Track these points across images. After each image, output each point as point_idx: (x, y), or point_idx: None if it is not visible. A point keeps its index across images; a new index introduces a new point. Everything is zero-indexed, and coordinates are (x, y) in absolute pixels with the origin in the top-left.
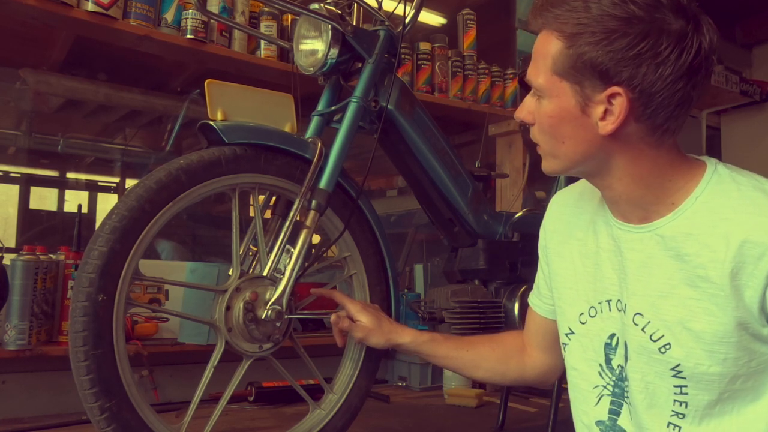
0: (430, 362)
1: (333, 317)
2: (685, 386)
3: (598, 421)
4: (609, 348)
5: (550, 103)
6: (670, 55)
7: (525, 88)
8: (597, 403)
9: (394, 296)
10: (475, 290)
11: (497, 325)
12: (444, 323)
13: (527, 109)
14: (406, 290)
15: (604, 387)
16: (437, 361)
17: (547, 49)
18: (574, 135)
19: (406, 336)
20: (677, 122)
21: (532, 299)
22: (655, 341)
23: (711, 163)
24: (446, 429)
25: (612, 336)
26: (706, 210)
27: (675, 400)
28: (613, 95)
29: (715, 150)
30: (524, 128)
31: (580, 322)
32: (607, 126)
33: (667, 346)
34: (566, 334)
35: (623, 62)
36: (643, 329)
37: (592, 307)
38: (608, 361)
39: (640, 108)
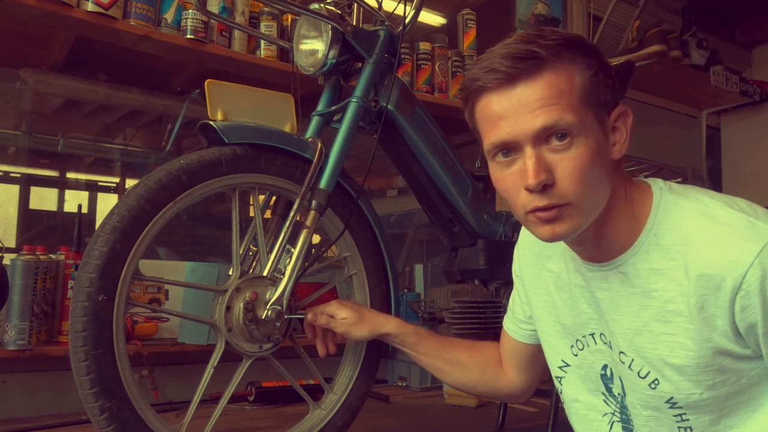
0: (410, 357)
1: (309, 315)
2: (684, 414)
3: None
4: (605, 378)
5: (586, 140)
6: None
7: None
8: (610, 430)
9: (394, 296)
10: (475, 290)
11: (497, 325)
12: (444, 323)
13: (546, 166)
14: (406, 290)
15: (613, 414)
16: (418, 357)
17: (565, 84)
18: (603, 172)
19: (390, 325)
20: None
21: (508, 324)
22: (643, 378)
23: (656, 189)
24: (446, 429)
25: (605, 367)
26: (660, 244)
27: (679, 427)
28: (622, 114)
29: (715, 150)
30: None
31: (573, 354)
32: (623, 147)
33: (656, 382)
34: (560, 367)
35: (614, 82)
36: (629, 367)
37: (577, 340)
38: (608, 389)
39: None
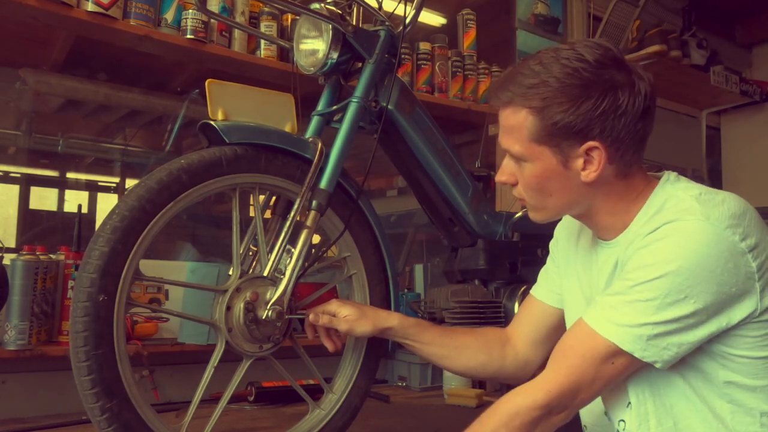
0: (414, 350)
1: (311, 316)
2: None
3: None
4: None
5: (533, 165)
6: (627, 105)
7: None
8: None
9: (394, 296)
10: (475, 290)
11: (497, 325)
12: (444, 323)
13: (508, 171)
14: (406, 290)
15: None
16: (421, 348)
17: (519, 122)
18: (560, 187)
19: (392, 320)
20: (640, 154)
21: (539, 291)
22: None
23: (662, 181)
24: (446, 429)
25: None
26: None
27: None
28: (590, 149)
29: (715, 150)
30: None
31: None
32: (590, 174)
33: None
34: None
35: (593, 121)
36: None
37: None
38: None
39: (613, 153)
